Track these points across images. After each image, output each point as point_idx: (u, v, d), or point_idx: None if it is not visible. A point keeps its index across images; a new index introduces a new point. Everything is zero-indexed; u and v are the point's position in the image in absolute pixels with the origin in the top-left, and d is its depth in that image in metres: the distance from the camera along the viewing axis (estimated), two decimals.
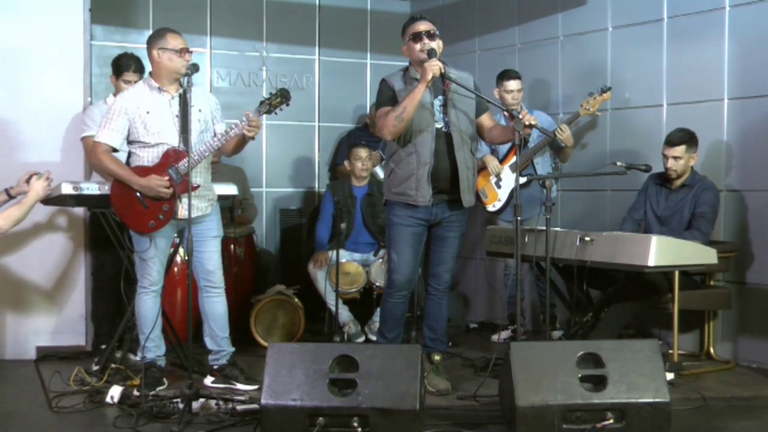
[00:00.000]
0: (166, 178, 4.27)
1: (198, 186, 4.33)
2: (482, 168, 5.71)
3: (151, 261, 4.39)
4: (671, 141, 4.97)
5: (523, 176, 5.33)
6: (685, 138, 4.95)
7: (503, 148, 5.65)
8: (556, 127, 5.46)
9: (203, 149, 4.30)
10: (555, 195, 5.73)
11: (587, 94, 5.48)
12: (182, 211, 4.33)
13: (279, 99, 4.31)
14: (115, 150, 4.36)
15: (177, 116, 4.35)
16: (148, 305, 4.43)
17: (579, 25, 6.01)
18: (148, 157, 4.34)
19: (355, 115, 6.96)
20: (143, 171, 4.30)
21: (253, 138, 4.34)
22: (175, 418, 3.79)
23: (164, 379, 4.48)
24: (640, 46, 5.64)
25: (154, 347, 4.47)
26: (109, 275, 5.17)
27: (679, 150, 4.94)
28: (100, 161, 4.36)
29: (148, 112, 4.31)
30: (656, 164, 5.05)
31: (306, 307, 5.65)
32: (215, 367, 4.54)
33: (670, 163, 4.97)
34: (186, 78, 4.16)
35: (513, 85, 5.64)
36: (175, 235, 4.57)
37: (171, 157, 4.31)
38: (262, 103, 4.34)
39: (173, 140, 4.33)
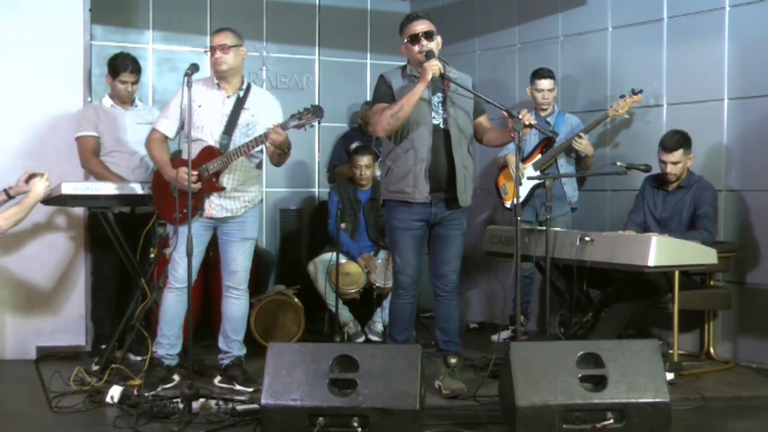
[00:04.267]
0: (196, 173, 4.26)
1: (223, 188, 4.35)
2: (505, 165, 5.70)
3: (179, 258, 4.37)
4: (668, 147, 4.91)
5: (531, 178, 5.35)
6: (681, 141, 4.91)
7: (528, 147, 5.62)
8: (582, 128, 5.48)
9: (232, 153, 4.29)
10: (576, 197, 5.72)
11: (618, 97, 5.45)
12: (209, 210, 4.36)
13: (310, 115, 4.20)
14: (169, 138, 4.47)
15: (226, 115, 4.36)
16: (169, 302, 4.43)
17: (579, 25, 6.01)
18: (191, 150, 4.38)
19: (349, 116, 6.96)
20: (181, 163, 4.32)
21: (278, 146, 4.23)
22: (175, 418, 3.79)
23: (174, 377, 4.45)
24: (640, 46, 5.64)
25: (167, 344, 4.46)
26: (109, 275, 5.18)
27: (677, 155, 4.90)
28: (148, 146, 4.49)
29: (200, 106, 4.33)
30: (656, 164, 5.04)
31: (306, 307, 5.65)
32: (222, 366, 4.54)
33: (669, 168, 4.93)
34: (186, 77, 4.14)
35: (544, 84, 5.62)
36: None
37: (206, 155, 4.32)
38: (292, 116, 4.24)
39: (214, 138, 4.33)
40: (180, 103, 4.29)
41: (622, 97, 5.42)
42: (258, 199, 4.56)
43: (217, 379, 4.52)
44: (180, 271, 4.36)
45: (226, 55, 4.35)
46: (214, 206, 4.39)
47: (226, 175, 4.37)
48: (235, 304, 4.52)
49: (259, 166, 4.58)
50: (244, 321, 4.58)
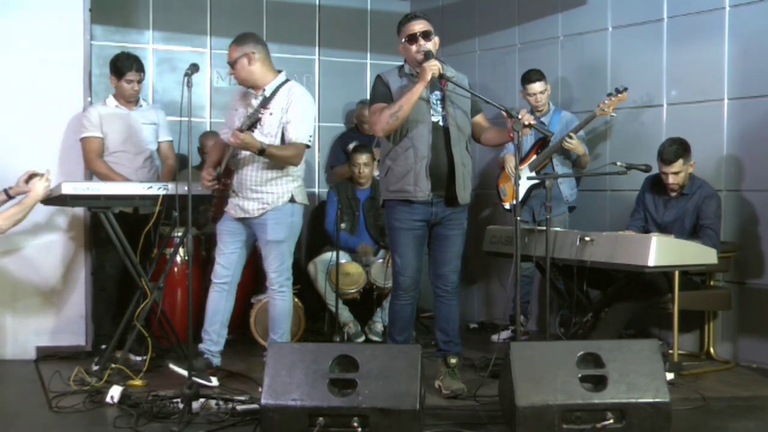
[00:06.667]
0: (213, 175, 4.49)
1: (230, 188, 4.49)
2: (504, 166, 5.71)
3: (218, 256, 4.54)
4: (667, 159, 4.84)
5: (531, 178, 5.35)
6: (680, 151, 4.84)
7: (525, 147, 5.60)
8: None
9: (228, 155, 4.45)
10: (574, 197, 5.71)
11: (605, 95, 5.43)
12: (231, 210, 4.48)
13: (259, 110, 4.25)
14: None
15: (248, 117, 4.37)
16: (211, 298, 4.54)
17: (579, 25, 6.01)
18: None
19: (345, 116, 6.96)
20: (217, 164, 4.54)
21: (242, 149, 4.30)
22: (175, 418, 3.79)
23: (211, 378, 4.40)
24: (640, 46, 5.64)
25: (208, 339, 4.50)
26: (109, 275, 5.17)
27: (677, 166, 4.85)
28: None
29: (236, 110, 4.46)
30: (656, 165, 5.03)
31: (306, 307, 5.65)
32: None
33: (671, 179, 4.88)
34: (185, 77, 4.13)
35: (535, 87, 5.61)
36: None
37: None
38: (246, 116, 4.28)
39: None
40: (231, 108, 4.60)
41: (609, 95, 5.42)
42: (282, 201, 4.45)
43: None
44: (218, 269, 4.53)
45: (234, 71, 4.48)
46: (233, 206, 4.50)
47: (237, 174, 4.47)
48: (273, 303, 4.56)
49: (277, 166, 4.45)
50: (281, 318, 4.54)
